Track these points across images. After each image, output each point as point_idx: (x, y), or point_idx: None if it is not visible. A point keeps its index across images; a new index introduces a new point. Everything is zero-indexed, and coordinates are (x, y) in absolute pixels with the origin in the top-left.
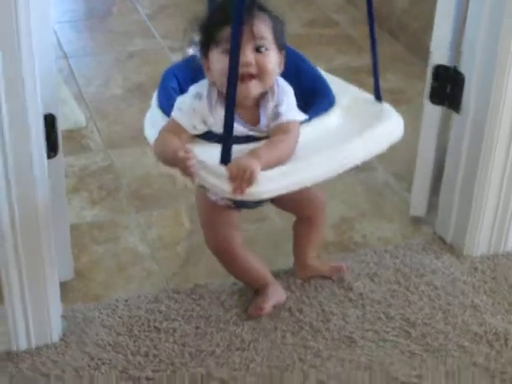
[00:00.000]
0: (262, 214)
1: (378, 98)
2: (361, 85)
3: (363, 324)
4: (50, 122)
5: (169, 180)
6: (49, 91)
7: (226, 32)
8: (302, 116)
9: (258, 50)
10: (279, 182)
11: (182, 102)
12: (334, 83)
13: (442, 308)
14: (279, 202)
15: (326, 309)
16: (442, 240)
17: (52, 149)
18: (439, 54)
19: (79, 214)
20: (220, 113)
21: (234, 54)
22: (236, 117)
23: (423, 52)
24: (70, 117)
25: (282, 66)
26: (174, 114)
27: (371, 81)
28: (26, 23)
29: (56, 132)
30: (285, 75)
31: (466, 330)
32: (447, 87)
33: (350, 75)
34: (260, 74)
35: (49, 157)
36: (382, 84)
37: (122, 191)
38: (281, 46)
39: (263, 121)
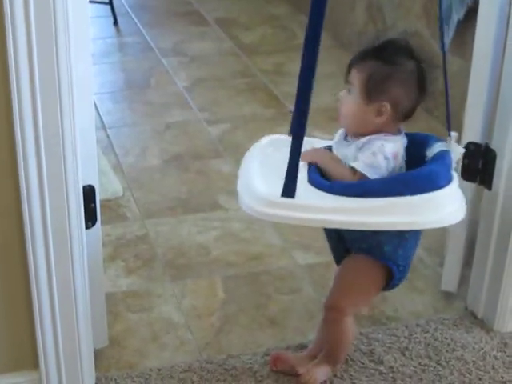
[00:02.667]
0: (296, 285)
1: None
2: None
3: None
4: (88, 192)
5: (203, 250)
6: (88, 163)
7: (351, 74)
8: (366, 171)
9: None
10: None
11: None
12: None
13: (471, 383)
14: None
15: (356, 382)
16: (473, 315)
17: (90, 219)
18: (471, 131)
19: (115, 283)
20: None
21: None
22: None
23: (458, 129)
24: (108, 187)
25: (382, 116)
26: None
27: None
28: (69, 100)
29: (95, 203)
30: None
31: None
32: (479, 164)
33: None
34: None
35: (87, 227)
36: None
37: (157, 261)
38: (374, 95)
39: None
